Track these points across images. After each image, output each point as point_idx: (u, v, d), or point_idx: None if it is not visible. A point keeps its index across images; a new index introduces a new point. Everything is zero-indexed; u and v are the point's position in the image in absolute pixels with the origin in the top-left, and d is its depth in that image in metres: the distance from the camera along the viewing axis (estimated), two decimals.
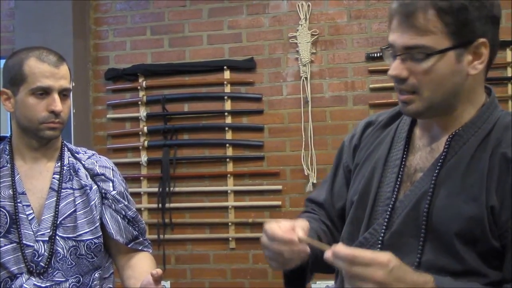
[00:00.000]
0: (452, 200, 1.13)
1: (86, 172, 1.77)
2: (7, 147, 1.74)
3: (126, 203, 1.79)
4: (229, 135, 3.63)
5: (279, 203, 3.54)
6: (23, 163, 1.73)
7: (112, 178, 1.80)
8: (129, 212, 1.78)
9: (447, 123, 1.21)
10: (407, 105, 1.19)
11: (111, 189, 1.77)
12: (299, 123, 3.52)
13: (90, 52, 3.81)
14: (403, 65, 1.16)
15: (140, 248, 1.83)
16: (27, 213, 1.67)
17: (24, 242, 1.65)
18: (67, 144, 1.83)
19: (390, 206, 1.20)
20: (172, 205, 3.65)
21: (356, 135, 1.40)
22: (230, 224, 3.59)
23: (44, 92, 1.65)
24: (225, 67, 3.63)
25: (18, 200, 1.67)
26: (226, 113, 3.63)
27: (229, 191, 3.61)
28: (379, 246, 1.18)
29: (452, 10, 1.11)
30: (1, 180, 1.69)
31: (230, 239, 3.59)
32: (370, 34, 3.48)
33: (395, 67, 1.17)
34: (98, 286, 1.76)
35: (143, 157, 3.70)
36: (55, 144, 1.76)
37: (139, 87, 3.73)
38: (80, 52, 3.71)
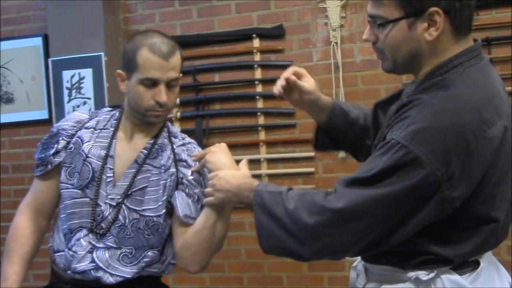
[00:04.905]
0: None
1: (172, 156, 1.82)
2: (118, 114, 1.86)
3: (202, 189, 1.80)
4: (260, 104, 3.64)
5: (312, 169, 3.54)
6: (123, 132, 1.84)
7: (193, 165, 1.82)
8: (203, 199, 1.78)
9: (419, 79, 1.41)
10: (382, 63, 1.44)
11: (189, 174, 1.81)
12: (330, 89, 3.49)
13: (120, 26, 3.85)
14: (371, 31, 1.40)
15: None
16: (107, 175, 1.78)
17: (97, 201, 1.75)
18: (170, 126, 1.90)
19: None
20: None
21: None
22: None
23: (152, 83, 1.72)
24: (254, 35, 3.61)
25: (105, 162, 1.78)
26: (256, 82, 3.62)
27: (262, 159, 3.63)
28: None
29: None
30: (98, 140, 1.81)
31: None
32: None
33: (366, 32, 1.41)
34: (157, 269, 1.83)
35: (177, 128, 3.74)
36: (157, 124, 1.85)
37: None
38: (110, 26, 3.75)
